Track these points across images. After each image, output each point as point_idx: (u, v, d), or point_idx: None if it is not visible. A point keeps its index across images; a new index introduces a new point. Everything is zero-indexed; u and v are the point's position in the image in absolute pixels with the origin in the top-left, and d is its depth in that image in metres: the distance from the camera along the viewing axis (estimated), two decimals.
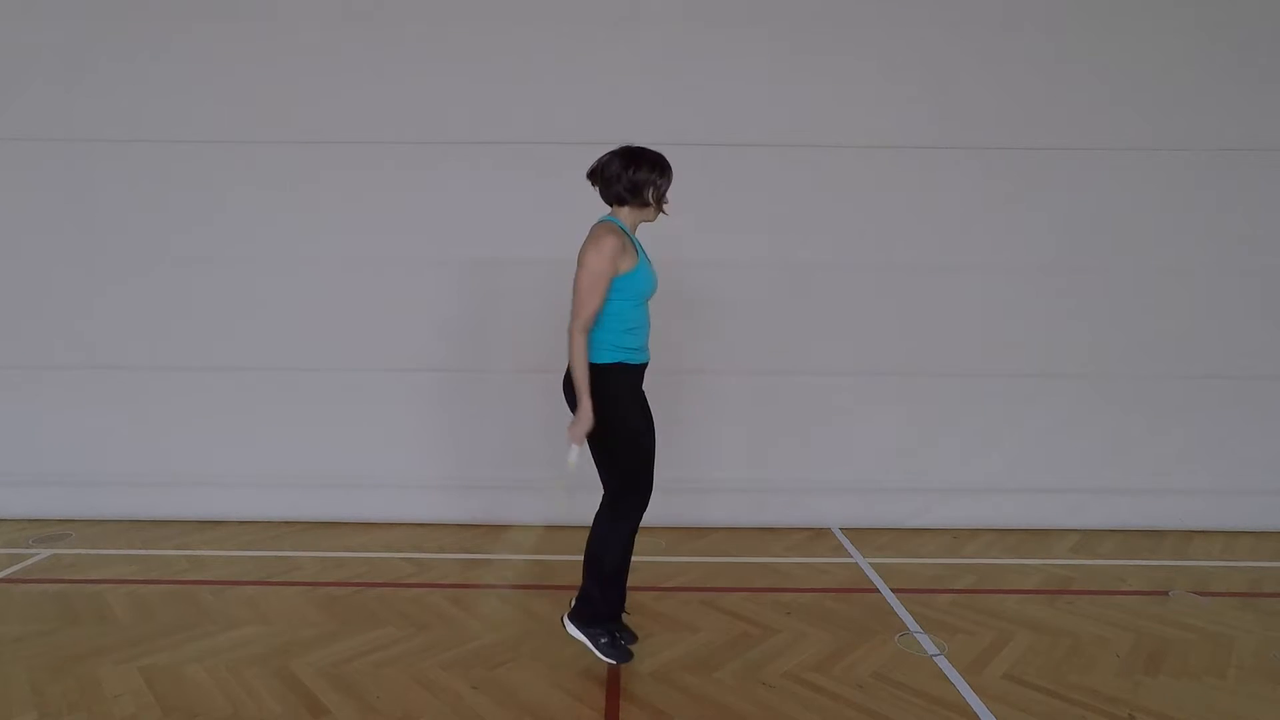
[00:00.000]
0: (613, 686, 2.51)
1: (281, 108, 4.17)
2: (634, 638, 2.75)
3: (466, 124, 4.17)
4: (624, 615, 2.70)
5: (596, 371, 2.40)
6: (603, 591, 2.54)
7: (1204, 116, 4.14)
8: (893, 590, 3.33)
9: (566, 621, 2.59)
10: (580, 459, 2.40)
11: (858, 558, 3.77)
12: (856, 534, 4.12)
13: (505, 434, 4.20)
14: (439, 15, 4.13)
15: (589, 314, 2.35)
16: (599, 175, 2.51)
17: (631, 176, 2.45)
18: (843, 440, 4.27)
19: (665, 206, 2.56)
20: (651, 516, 4.37)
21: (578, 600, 2.58)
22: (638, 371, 2.52)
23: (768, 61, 4.16)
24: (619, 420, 2.43)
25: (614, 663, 2.55)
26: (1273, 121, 4.14)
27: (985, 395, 4.24)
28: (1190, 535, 4.13)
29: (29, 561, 3.64)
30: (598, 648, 2.53)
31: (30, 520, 4.22)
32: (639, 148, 2.50)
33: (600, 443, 2.44)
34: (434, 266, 4.21)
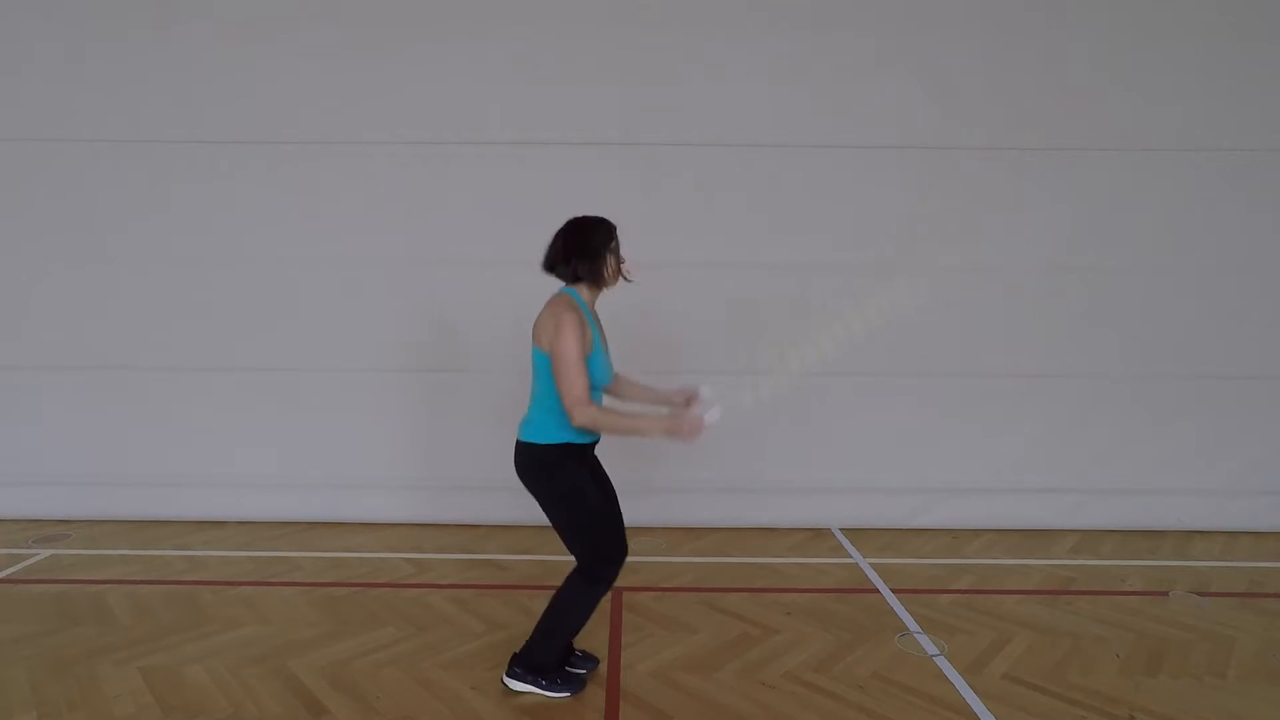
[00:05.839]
0: (613, 686, 2.51)
1: (280, 109, 4.17)
2: (596, 661, 2.65)
3: (453, 126, 4.15)
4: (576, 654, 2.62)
5: (543, 452, 2.32)
6: (556, 647, 2.44)
7: (1204, 116, 4.13)
8: (893, 590, 3.33)
9: (507, 680, 2.46)
10: (716, 415, 2.24)
11: (858, 558, 3.77)
12: (856, 534, 4.12)
13: (506, 434, 4.19)
14: (426, 17, 4.11)
15: (582, 393, 2.24)
16: (549, 263, 2.38)
17: (580, 244, 2.31)
18: (842, 440, 4.27)
19: (626, 270, 2.40)
20: (651, 517, 4.34)
21: (523, 653, 2.46)
22: (587, 448, 2.43)
23: (767, 62, 4.15)
24: (575, 495, 2.35)
25: (569, 694, 2.44)
26: (1273, 121, 4.14)
27: (985, 395, 4.24)
28: (1190, 535, 4.13)
29: (29, 561, 3.64)
30: (548, 689, 2.43)
31: (30, 520, 4.22)
32: (575, 219, 2.36)
33: (561, 521, 2.36)
34: (436, 266, 4.20)
